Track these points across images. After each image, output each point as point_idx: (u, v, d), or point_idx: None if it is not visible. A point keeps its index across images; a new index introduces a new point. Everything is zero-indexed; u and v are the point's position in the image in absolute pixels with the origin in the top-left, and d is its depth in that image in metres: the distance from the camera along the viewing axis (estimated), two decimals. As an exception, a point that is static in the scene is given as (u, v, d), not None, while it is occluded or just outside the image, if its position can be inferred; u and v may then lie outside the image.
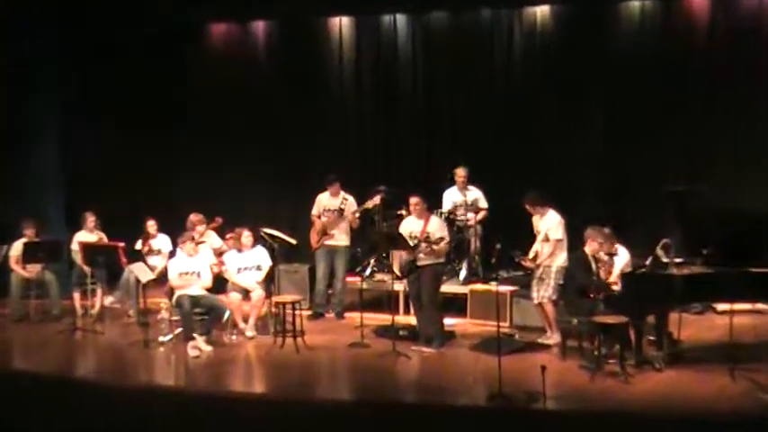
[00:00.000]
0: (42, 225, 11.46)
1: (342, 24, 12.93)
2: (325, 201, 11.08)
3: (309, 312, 10.98)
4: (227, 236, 10.87)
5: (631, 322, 8.55)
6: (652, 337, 8.89)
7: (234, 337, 10.16)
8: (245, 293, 10.24)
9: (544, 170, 11.74)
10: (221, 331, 10.15)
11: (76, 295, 11.20)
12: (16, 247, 11.08)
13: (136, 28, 12.58)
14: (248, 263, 10.37)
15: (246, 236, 10.39)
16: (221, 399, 8.41)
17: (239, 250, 10.42)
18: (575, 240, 9.36)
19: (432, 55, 12.55)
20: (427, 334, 9.58)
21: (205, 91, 13.14)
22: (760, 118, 11.12)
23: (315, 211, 11.13)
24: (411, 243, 9.48)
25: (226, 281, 10.36)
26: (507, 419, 7.66)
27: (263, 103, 13.03)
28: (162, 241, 11.19)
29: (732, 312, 8.63)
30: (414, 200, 9.61)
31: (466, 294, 10.74)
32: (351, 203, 11.03)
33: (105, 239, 11.35)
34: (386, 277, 10.94)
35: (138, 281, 10.42)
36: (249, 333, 10.17)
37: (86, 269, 11.06)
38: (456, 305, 10.65)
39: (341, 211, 10.97)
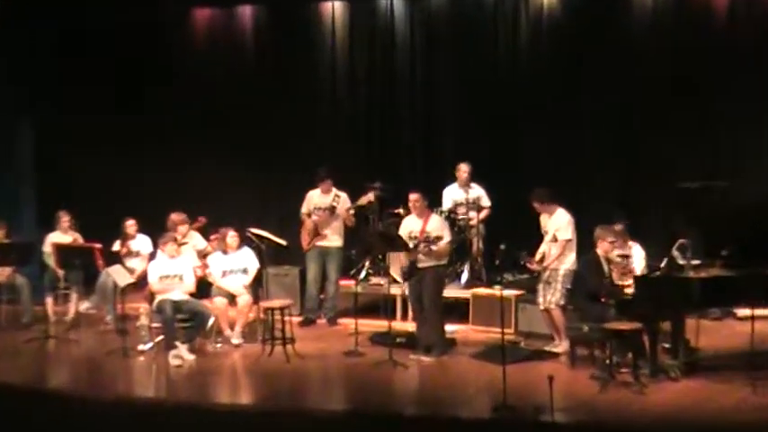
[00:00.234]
0: (13, 225, 11.45)
1: (334, 9, 12.92)
2: (315, 198, 11.08)
3: (300, 318, 11.00)
4: (212, 236, 10.86)
5: (645, 329, 8.56)
6: (667, 345, 8.87)
7: (219, 345, 10.17)
8: (231, 298, 10.24)
9: (552, 165, 11.79)
10: (205, 339, 10.16)
11: (49, 300, 11.18)
12: (-16, 250, 11.06)
13: (110, 14, 12.63)
14: (234, 265, 10.36)
15: (232, 236, 10.39)
16: (205, 411, 8.40)
17: (224, 252, 10.42)
18: (585, 241, 9.39)
19: (431, 42, 12.54)
20: (427, 341, 9.58)
21: (187, 81, 13.15)
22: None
23: (305, 210, 11.13)
24: (411, 244, 9.48)
25: (210, 285, 10.36)
26: (512, 433, 7.71)
27: (250, 94, 13.04)
28: (141, 242, 11.17)
29: (753, 318, 8.62)
30: (413, 197, 9.61)
31: (468, 299, 10.75)
32: (343, 201, 11.04)
33: (81, 240, 11.34)
34: (382, 280, 10.95)
35: (115, 285, 10.38)
36: (235, 341, 10.17)
37: (60, 272, 11.06)
38: (457, 310, 10.66)
39: (333, 209, 10.97)
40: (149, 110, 12.85)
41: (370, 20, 12.82)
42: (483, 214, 11.36)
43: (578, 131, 11.87)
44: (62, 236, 11.32)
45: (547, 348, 9.62)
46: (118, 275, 10.19)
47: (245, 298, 10.23)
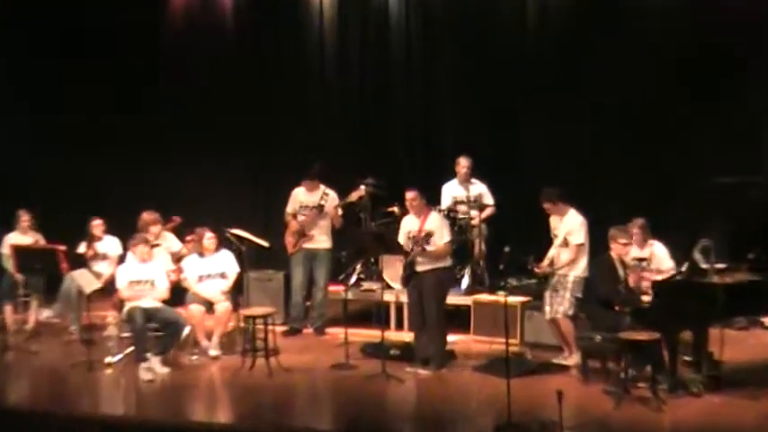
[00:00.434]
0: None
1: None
2: (301, 196, 11.08)
3: (284, 328, 11.03)
4: (187, 238, 10.86)
5: (664, 339, 8.55)
6: (689, 358, 8.87)
7: (195, 357, 10.16)
8: (209, 306, 10.24)
9: (561, 160, 11.79)
10: (180, 351, 10.16)
11: (7, 308, 11.18)
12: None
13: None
14: (212, 269, 10.37)
15: (209, 238, 10.39)
16: (179, 430, 8.38)
17: (201, 255, 10.41)
18: (599, 246, 9.36)
19: (430, 26, 12.60)
20: (425, 353, 9.57)
21: (162, 70, 13.20)
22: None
23: (290, 209, 11.12)
24: (410, 245, 9.48)
25: (185, 291, 10.35)
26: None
27: (231, 84, 13.10)
28: (109, 244, 11.17)
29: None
30: (410, 195, 9.60)
31: (468, 306, 10.74)
32: (332, 199, 11.04)
33: (42, 242, 11.34)
34: (375, 286, 10.94)
35: (80, 291, 10.38)
36: (213, 352, 10.16)
37: (19, 277, 11.04)
38: (457, 319, 10.64)
39: (321, 207, 10.97)
40: (119, 106, 12.94)
41: (363, 1, 12.87)
42: (485, 213, 11.35)
43: (590, 125, 11.89)
44: (22, 237, 11.30)
45: (555, 360, 9.61)
46: (83, 280, 10.17)
47: (223, 305, 10.22)
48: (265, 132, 13.00)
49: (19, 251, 10.87)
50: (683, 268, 8.91)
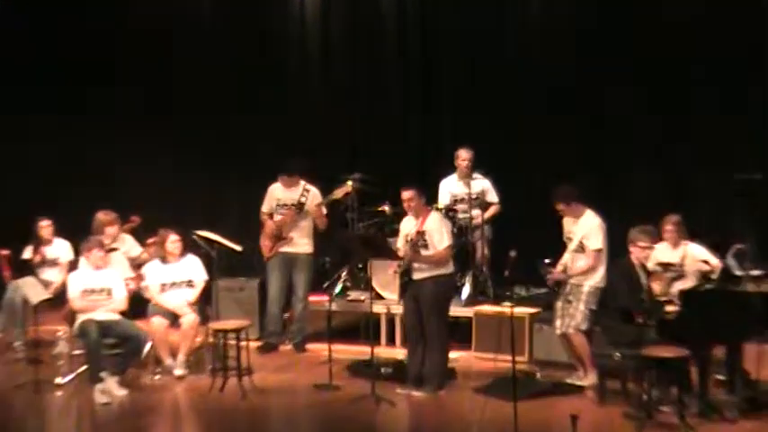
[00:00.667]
0: None
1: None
2: (279, 193, 11.07)
3: (259, 343, 11.04)
4: (148, 241, 10.86)
5: (693, 356, 8.52)
6: (721, 377, 8.91)
7: (157, 377, 10.15)
8: (173, 318, 10.22)
9: (575, 152, 11.85)
10: (140, 369, 10.14)
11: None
12: None
13: None
14: (176, 277, 10.36)
15: (173, 240, 10.37)
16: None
17: (164, 260, 10.40)
18: (618, 251, 9.37)
19: (427, 5, 12.73)
20: (421, 372, 9.53)
21: (121, 52, 13.31)
22: None
23: (265, 208, 11.12)
24: (408, 248, 9.47)
25: (146, 301, 10.34)
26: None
27: (199, 67, 13.20)
28: (60, 248, 11.18)
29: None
30: (407, 194, 9.54)
31: (469, 318, 10.76)
32: (314, 196, 11.03)
33: (-19, 246, 11.30)
34: (363, 295, 10.96)
35: (26, 302, 10.33)
36: (178, 371, 10.14)
37: (-44, 286, 11.03)
38: (456, 333, 10.54)
39: (301, 206, 10.96)
40: (71, 92, 13.04)
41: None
42: (489, 212, 11.39)
43: (606, 115, 11.93)
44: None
45: (569, 381, 9.62)
46: (29, 290, 10.11)
47: (190, 318, 10.19)
48: (241, 125, 13.08)
49: (-45, 257, 10.92)
50: (715, 275, 8.96)
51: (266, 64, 13.12)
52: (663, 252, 9.49)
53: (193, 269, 10.41)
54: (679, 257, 9.53)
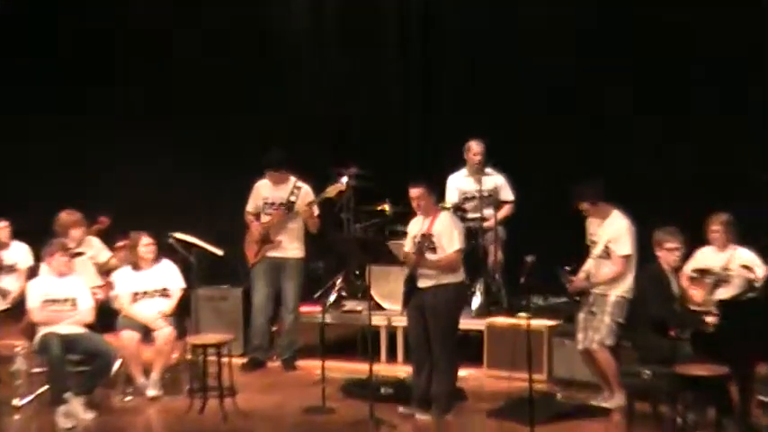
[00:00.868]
0: None
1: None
2: (266, 191, 11.11)
3: (244, 360, 11.06)
4: (118, 244, 10.86)
5: (734, 374, 8.47)
6: (764, 398, 8.91)
7: (128, 398, 10.13)
8: (146, 332, 10.20)
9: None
10: (109, 389, 10.12)
11: None
12: None
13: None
14: (150, 285, 10.36)
15: (146, 244, 10.38)
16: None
17: (136, 266, 10.38)
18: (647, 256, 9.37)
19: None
20: (427, 392, 9.47)
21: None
22: None
23: (251, 208, 11.17)
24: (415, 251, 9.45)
25: (116, 313, 10.33)
26: None
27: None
28: (17, 252, 11.23)
29: None
30: (415, 191, 9.47)
31: (481, 332, 10.78)
32: (305, 194, 11.04)
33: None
34: (360, 306, 10.99)
35: (-20, 313, 10.39)
36: (152, 392, 10.11)
37: None
38: (466, 348, 10.58)
39: (291, 205, 10.96)
40: (32, 81, 13.40)
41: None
42: (503, 212, 11.42)
43: (631, 103, 12.02)
44: None
45: (594, 402, 9.62)
46: (-17, 299, 10.16)
47: (165, 331, 10.17)
48: (225, 115, 13.22)
49: None
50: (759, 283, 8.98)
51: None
52: (707, 255, 9.53)
53: (169, 276, 10.41)
54: (724, 262, 9.52)
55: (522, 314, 9.69)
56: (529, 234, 11.19)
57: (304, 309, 11.22)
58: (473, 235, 11.09)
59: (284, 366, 11.08)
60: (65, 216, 10.67)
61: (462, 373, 10.09)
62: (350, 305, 11.38)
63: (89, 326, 9.99)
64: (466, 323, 10.59)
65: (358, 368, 10.12)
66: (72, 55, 13.55)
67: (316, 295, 11.43)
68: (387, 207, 11.24)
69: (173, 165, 13.22)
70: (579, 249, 9.70)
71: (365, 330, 10.20)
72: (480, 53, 12.66)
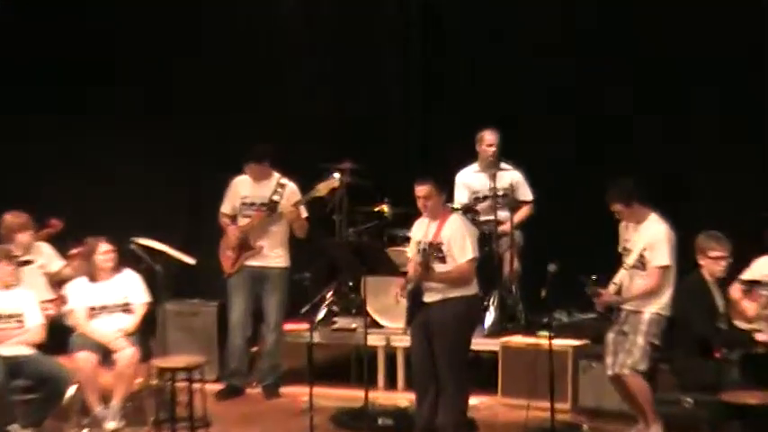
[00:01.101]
0: None
1: None
2: (245, 189, 11.12)
3: (219, 386, 11.07)
4: (72, 251, 10.79)
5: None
6: None
7: (85, 430, 10.04)
8: (105, 353, 10.10)
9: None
10: (62, 421, 10.03)
11: None
12: None
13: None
14: (109, 299, 10.29)
15: (105, 251, 10.29)
16: None
17: (93, 277, 10.31)
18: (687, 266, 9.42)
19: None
20: (433, 423, 9.42)
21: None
22: None
23: (226, 208, 11.21)
24: (419, 258, 9.39)
25: (70, 331, 10.24)
26: None
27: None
28: None
29: None
30: (422, 189, 9.42)
31: (495, 353, 10.79)
32: (290, 193, 11.03)
33: None
34: (354, 323, 11.02)
35: None
36: (111, 424, 10.02)
37: None
38: (478, 372, 10.62)
39: (273, 205, 10.95)
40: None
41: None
42: (521, 214, 11.45)
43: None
44: None
45: (626, 435, 9.65)
46: None
47: (126, 352, 10.06)
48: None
49: None
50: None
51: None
52: (764, 265, 9.46)
53: (131, 288, 10.35)
54: None
55: (543, 333, 9.65)
56: (550, 239, 11.23)
57: (288, 327, 11.25)
58: (486, 241, 11.05)
59: (265, 394, 11.06)
60: (9, 218, 10.59)
61: (473, 400, 10.08)
62: (342, 322, 11.40)
63: (38, 346, 9.94)
64: (478, 343, 10.59)
65: (351, 395, 10.13)
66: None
67: (302, 311, 11.33)
68: (385, 208, 11.26)
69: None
70: (610, 257, 9.64)
71: (360, 351, 10.27)
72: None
